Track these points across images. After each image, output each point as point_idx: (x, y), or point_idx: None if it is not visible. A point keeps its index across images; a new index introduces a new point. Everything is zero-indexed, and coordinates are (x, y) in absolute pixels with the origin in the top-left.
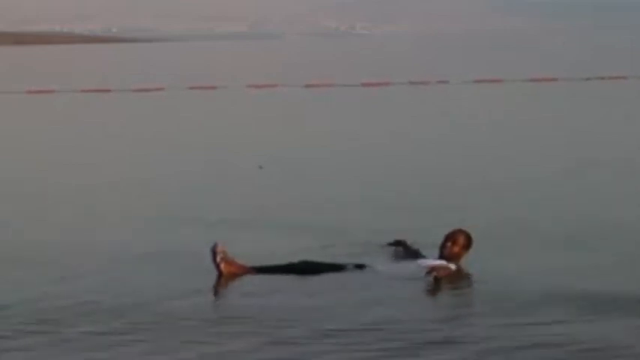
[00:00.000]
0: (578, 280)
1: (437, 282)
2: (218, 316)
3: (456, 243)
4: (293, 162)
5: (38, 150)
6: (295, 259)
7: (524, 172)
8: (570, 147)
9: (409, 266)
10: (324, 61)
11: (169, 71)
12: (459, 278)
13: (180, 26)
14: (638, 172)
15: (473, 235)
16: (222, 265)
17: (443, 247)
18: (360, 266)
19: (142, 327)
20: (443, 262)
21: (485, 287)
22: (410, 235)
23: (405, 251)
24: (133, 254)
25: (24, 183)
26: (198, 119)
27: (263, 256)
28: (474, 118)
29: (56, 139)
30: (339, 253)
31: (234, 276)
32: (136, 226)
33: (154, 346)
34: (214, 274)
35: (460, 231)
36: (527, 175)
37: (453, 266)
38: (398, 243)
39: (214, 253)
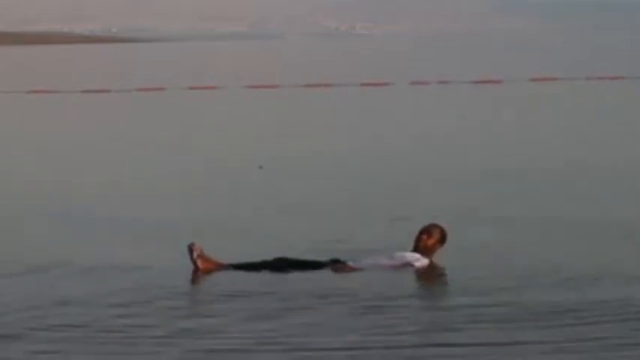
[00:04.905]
0: (554, 275)
1: (335, 271)
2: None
3: (430, 236)
4: (293, 162)
5: (38, 149)
6: (294, 257)
7: (521, 172)
8: (569, 147)
9: (383, 260)
10: (324, 61)
11: (169, 71)
12: (432, 272)
13: (180, 26)
14: (634, 171)
15: (448, 230)
16: (198, 262)
17: (418, 239)
18: (335, 262)
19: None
20: (416, 255)
21: (459, 282)
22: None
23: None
24: (130, 252)
25: (23, 183)
26: (199, 119)
27: (262, 256)
28: (474, 118)
29: (56, 138)
30: (338, 252)
31: (210, 272)
32: (135, 225)
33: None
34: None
35: (435, 225)
36: (524, 175)
37: (425, 260)
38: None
39: (191, 251)
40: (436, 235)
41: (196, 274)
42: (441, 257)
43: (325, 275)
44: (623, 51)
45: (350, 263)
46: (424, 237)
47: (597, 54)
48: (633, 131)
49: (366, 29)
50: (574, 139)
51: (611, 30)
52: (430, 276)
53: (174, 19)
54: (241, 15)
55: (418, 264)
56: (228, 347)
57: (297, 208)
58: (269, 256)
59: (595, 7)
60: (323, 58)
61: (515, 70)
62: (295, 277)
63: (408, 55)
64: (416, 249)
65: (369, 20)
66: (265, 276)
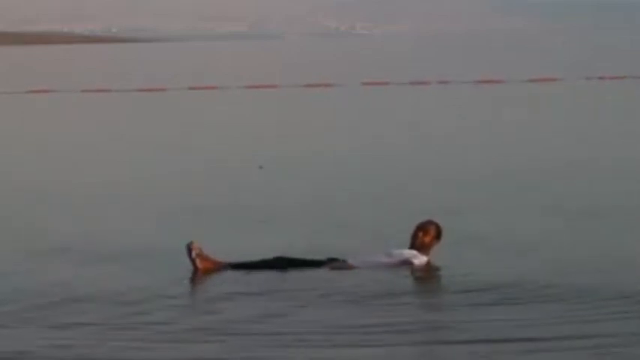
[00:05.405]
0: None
1: (333, 269)
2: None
3: (427, 233)
4: (293, 162)
5: (38, 149)
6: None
7: (521, 171)
8: (569, 147)
9: (381, 258)
10: (324, 61)
11: (169, 71)
12: (430, 269)
13: (180, 26)
14: (633, 171)
15: (443, 227)
16: (197, 261)
17: (414, 236)
18: (333, 260)
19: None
20: (413, 252)
21: (457, 279)
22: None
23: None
24: (130, 251)
25: (22, 182)
26: (199, 119)
27: (261, 255)
28: (474, 118)
29: (56, 138)
30: (336, 251)
31: (209, 271)
32: (135, 225)
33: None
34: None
35: (431, 222)
36: (524, 175)
37: (424, 258)
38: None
39: (190, 250)
40: (432, 232)
41: (195, 274)
42: (439, 254)
43: (324, 274)
44: (624, 51)
45: (349, 262)
46: (420, 234)
47: (597, 54)
48: (633, 131)
49: (366, 29)
50: (574, 138)
51: (611, 30)
52: (428, 273)
53: (174, 19)
54: (241, 15)
55: (417, 261)
56: (227, 343)
57: (297, 208)
58: (268, 255)
59: (595, 7)
60: (323, 58)
61: (515, 70)
62: (294, 275)
63: (408, 55)
64: (413, 246)
65: (369, 20)
66: (264, 275)
